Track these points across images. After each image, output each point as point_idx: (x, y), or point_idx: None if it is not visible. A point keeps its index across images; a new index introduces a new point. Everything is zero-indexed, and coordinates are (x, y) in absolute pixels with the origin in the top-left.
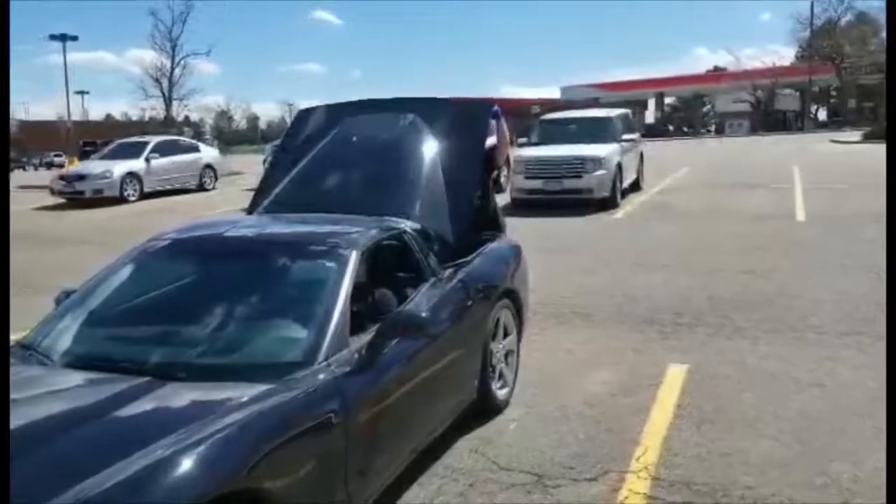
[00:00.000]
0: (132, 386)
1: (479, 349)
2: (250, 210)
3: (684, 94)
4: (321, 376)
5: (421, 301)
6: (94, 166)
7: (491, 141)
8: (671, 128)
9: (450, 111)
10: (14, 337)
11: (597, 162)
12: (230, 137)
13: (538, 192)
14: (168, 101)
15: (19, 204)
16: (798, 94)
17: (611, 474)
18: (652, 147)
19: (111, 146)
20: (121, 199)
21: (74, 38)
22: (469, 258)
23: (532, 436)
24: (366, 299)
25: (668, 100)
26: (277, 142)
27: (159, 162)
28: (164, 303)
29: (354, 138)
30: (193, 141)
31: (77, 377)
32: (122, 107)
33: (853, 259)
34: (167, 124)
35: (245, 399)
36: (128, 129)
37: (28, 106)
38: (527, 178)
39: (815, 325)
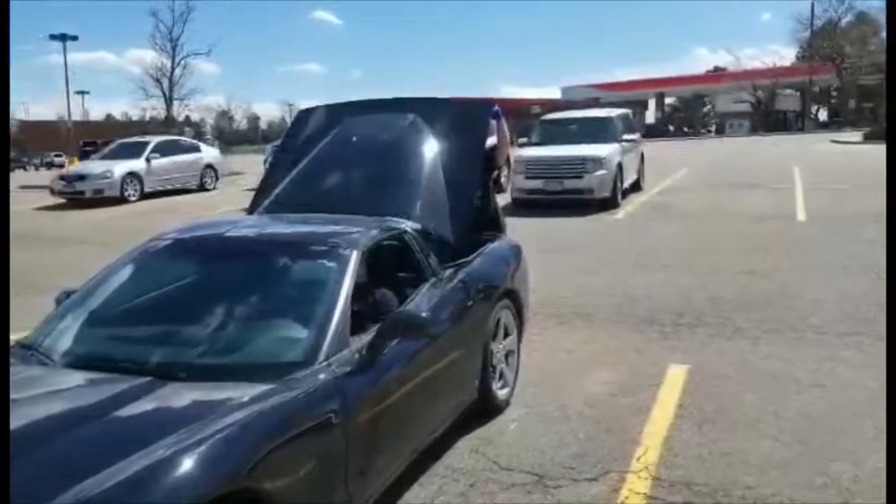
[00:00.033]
0: (133, 386)
1: (479, 349)
2: (251, 210)
3: (685, 94)
4: (322, 376)
5: (421, 301)
6: (94, 166)
7: (491, 141)
8: (671, 128)
9: (450, 111)
10: (14, 337)
11: (597, 162)
12: (231, 137)
13: (539, 193)
14: (169, 101)
15: (20, 204)
16: (798, 94)
17: (611, 474)
18: (652, 147)
19: (112, 146)
20: (121, 199)
21: (75, 38)
22: (469, 258)
23: (532, 436)
24: (366, 299)
25: (668, 100)
26: (278, 142)
27: (160, 162)
28: (165, 303)
29: (355, 138)
30: (194, 141)
31: (78, 377)
32: (122, 107)
33: (853, 259)
34: (168, 124)
35: (246, 399)
36: (128, 129)
37: (28, 106)
38: (527, 178)
39: (815, 326)
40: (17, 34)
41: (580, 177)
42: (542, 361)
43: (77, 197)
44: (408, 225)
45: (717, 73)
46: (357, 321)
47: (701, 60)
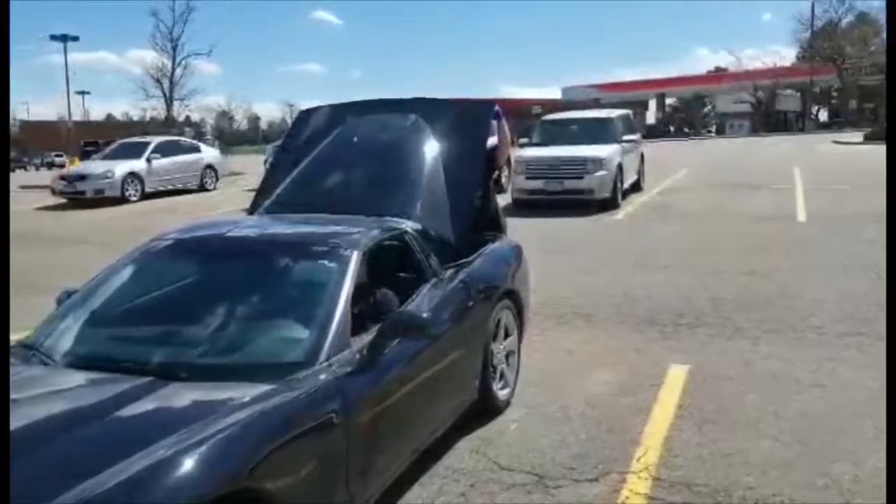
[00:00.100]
0: (134, 386)
1: (480, 349)
2: (251, 210)
3: (685, 94)
4: (322, 376)
5: (422, 301)
6: (95, 166)
7: (492, 141)
8: (672, 128)
9: (451, 111)
10: (14, 337)
11: (598, 162)
12: (231, 138)
13: (539, 193)
14: (169, 102)
15: (20, 204)
16: (799, 94)
17: (612, 475)
18: (653, 148)
19: (112, 146)
20: (122, 200)
21: (75, 39)
22: (470, 258)
23: (533, 436)
24: (367, 299)
25: (668, 100)
26: (278, 142)
27: (160, 162)
28: (166, 303)
29: (355, 139)
30: (195, 141)
31: (79, 377)
32: (123, 107)
33: (854, 259)
34: (168, 124)
35: (247, 399)
36: (129, 129)
37: (29, 106)
38: (528, 178)
39: (815, 326)
40: (17, 34)
41: (580, 177)
42: (542, 362)
43: (78, 197)
44: (408, 225)
45: (718, 74)
46: (358, 321)
47: (702, 61)
